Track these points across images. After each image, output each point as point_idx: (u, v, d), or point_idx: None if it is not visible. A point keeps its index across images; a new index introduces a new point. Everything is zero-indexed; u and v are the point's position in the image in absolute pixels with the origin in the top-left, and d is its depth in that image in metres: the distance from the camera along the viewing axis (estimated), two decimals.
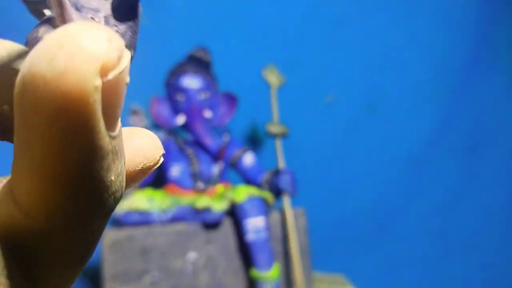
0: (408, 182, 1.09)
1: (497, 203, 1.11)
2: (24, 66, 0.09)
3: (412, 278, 1.08)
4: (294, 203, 0.84)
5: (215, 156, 0.88)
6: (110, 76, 0.09)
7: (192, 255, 0.79)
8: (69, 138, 0.09)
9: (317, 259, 0.89)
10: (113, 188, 0.11)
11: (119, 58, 0.09)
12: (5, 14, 0.82)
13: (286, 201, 0.83)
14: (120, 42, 0.10)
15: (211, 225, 0.80)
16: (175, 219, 0.80)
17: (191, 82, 0.88)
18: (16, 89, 0.10)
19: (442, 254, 1.09)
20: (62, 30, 0.09)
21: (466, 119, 1.10)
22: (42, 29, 0.13)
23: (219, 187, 0.87)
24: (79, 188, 0.10)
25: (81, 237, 0.11)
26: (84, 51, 0.09)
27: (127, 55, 0.10)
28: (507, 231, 1.11)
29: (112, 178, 0.11)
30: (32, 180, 0.10)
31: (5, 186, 0.11)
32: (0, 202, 0.11)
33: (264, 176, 0.88)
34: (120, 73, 0.10)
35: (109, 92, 0.10)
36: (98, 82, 0.09)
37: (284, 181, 0.83)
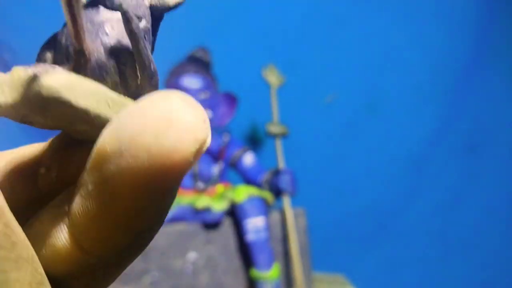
0: (408, 182, 1.09)
1: (497, 203, 1.11)
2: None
3: (412, 278, 1.08)
4: (294, 203, 0.84)
5: (215, 156, 0.88)
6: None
7: (192, 255, 0.79)
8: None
9: (317, 259, 0.89)
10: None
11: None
12: (5, 15, 0.82)
13: (286, 201, 0.83)
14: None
15: (211, 225, 0.80)
16: (175, 219, 0.80)
17: (191, 82, 0.88)
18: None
19: (442, 254, 1.09)
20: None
21: (466, 119, 1.10)
22: (49, 55, 0.13)
23: (219, 187, 0.87)
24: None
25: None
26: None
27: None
28: (507, 231, 1.11)
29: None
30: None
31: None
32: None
33: (264, 176, 0.88)
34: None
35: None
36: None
37: (284, 181, 0.83)
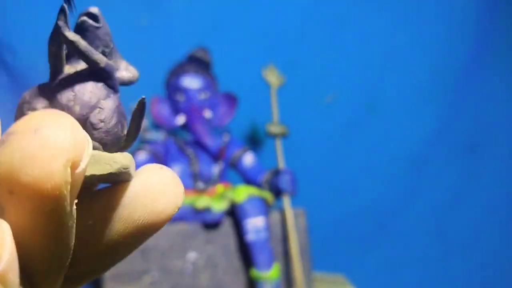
0: (408, 182, 1.09)
1: (497, 203, 1.11)
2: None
3: (412, 278, 1.08)
4: (294, 203, 0.84)
5: (215, 156, 0.88)
6: (78, 170, 0.10)
7: (192, 255, 0.79)
8: (45, 229, 0.11)
9: (317, 259, 0.89)
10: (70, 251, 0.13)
11: (83, 152, 0.10)
12: (5, 15, 0.82)
13: (286, 201, 0.83)
14: (83, 136, 0.11)
15: (211, 225, 0.80)
16: (175, 219, 0.80)
17: (191, 82, 0.88)
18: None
19: (442, 254, 1.09)
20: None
21: (466, 119, 1.10)
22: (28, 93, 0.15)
23: (219, 187, 0.87)
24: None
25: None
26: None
27: (89, 147, 0.11)
28: (507, 231, 1.11)
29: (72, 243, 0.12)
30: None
31: None
32: None
33: (264, 176, 0.88)
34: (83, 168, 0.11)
35: (74, 181, 0.11)
36: (67, 179, 0.10)
37: (284, 181, 0.83)
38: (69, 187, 0.10)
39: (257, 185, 0.87)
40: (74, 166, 0.10)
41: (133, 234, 0.12)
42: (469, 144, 1.11)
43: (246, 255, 0.80)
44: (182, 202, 0.12)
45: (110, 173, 0.13)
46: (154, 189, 0.12)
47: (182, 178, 0.88)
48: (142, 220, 0.11)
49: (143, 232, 0.11)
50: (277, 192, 0.84)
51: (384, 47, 1.07)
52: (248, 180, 0.89)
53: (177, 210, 0.12)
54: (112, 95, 0.16)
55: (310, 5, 1.04)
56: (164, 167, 0.13)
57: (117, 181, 0.14)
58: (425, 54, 1.08)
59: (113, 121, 0.15)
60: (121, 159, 0.14)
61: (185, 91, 0.88)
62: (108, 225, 0.12)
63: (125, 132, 0.16)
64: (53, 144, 0.09)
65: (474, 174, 1.11)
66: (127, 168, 0.14)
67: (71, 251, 0.13)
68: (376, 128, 1.07)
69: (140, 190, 0.12)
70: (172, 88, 0.89)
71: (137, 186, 0.12)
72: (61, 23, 0.13)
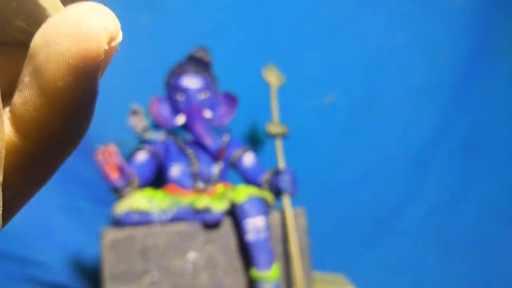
0: (408, 182, 1.09)
1: (497, 203, 1.11)
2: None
3: (412, 278, 1.08)
4: (294, 203, 0.84)
5: (215, 156, 0.88)
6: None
7: (192, 255, 0.79)
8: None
9: (317, 259, 0.89)
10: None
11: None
12: None
13: (286, 201, 0.83)
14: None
15: (211, 225, 0.80)
16: (175, 219, 0.80)
17: (191, 82, 0.88)
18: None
19: (442, 254, 1.09)
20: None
21: (466, 119, 1.10)
22: None
23: (219, 187, 0.87)
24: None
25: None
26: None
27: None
28: (506, 231, 1.11)
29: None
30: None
31: None
32: None
33: (264, 176, 0.88)
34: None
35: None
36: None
37: (284, 181, 0.83)
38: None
39: (257, 185, 0.87)
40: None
41: (68, 73, 0.12)
42: (469, 144, 1.11)
43: (246, 255, 0.80)
44: (114, 24, 0.12)
45: None
46: (71, 15, 0.12)
47: (182, 178, 0.88)
48: (71, 52, 0.12)
49: (80, 69, 0.12)
50: (277, 192, 0.84)
51: (384, 47, 1.07)
52: (248, 180, 0.89)
53: (110, 35, 0.12)
54: None
55: (310, 5, 1.04)
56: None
57: (13, 14, 0.14)
58: (425, 54, 1.08)
59: None
60: None
61: (185, 91, 0.88)
62: (37, 72, 0.12)
63: None
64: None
65: (474, 174, 1.11)
66: None
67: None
68: (376, 128, 1.07)
69: (54, 22, 0.12)
70: (172, 88, 0.89)
71: (51, 19, 0.12)
72: None
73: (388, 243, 1.08)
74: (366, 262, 1.06)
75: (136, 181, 0.83)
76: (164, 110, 0.90)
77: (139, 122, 0.89)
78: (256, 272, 0.77)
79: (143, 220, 0.79)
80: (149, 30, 0.99)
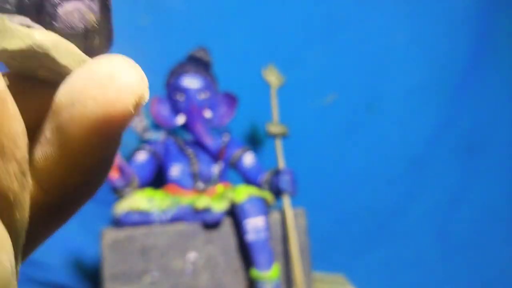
0: (408, 182, 1.09)
1: (497, 203, 1.11)
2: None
3: (412, 278, 1.08)
4: (294, 203, 0.84)
5: (215, 156, 0.88)
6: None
7: (192, 255, 0.79)
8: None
9: (317, 259, 0.89)
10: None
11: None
12: None
13: (286, 201, 0.83)
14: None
15: (211, 225, 0.80)
16: (175, 219, 0.80)
17: (191, 82, 0.88)
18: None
19: (442, 254, 1.09)
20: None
21: (466, 119, 1.10)
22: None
23: (219, 187, 0.87)
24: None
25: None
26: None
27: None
28: (507, 231, 1.11)
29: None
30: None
31: None
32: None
33: (264, 176, 0.88)
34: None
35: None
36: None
37: (284, 181, 0.83)
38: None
39: (257, 185, 0.87)
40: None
41: (92, 135, 0.12)
42: (469, 144, 1.11)
43: (246, 255, 0.80)
44: (142, 87, 0.12)
45: (22, 50, 0.12)
46: (98, 75, 0.11)
47: (182, 178, 0.88)
48: (96, 116, 0.11)
49: (104, 132, 0.12)
50: (277, 192, 0.84)
51: (384, 47, 1.07)
52: (248, 180, 0.89)
53: (137, 99, 0.12)
54: None
55: (310, 5, 1.04)
56: (115, 54, 0.13)
57: (38, 66, 0.13)
58: (425, 54, 1.08)
59: (74, 14, 0.14)
60: (35, 35, 0.12)
61: (185, 91, 0.88)
62: (59, 130, 0.12)
63: (92, 26, 0.15)
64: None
65: (474, 174, 1.11)
66: (42, 47, 0.12)
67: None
68: (376, 128, 1.07)
69: (81, 80, 0.12)
70: (172, 88, 0.89)
71: (77, 76, 0.12)
72: None
73: (388, 243, 1.08)
74: (366, 262, 1.06)
75: (136, 181, 0.83)
76: (164, 110, 0.90)
77: (139, 122, 0.89)
78: (256, 272, 0.77)
79: (143, 220, 0.79)
80: (149, 30, 0.99)
